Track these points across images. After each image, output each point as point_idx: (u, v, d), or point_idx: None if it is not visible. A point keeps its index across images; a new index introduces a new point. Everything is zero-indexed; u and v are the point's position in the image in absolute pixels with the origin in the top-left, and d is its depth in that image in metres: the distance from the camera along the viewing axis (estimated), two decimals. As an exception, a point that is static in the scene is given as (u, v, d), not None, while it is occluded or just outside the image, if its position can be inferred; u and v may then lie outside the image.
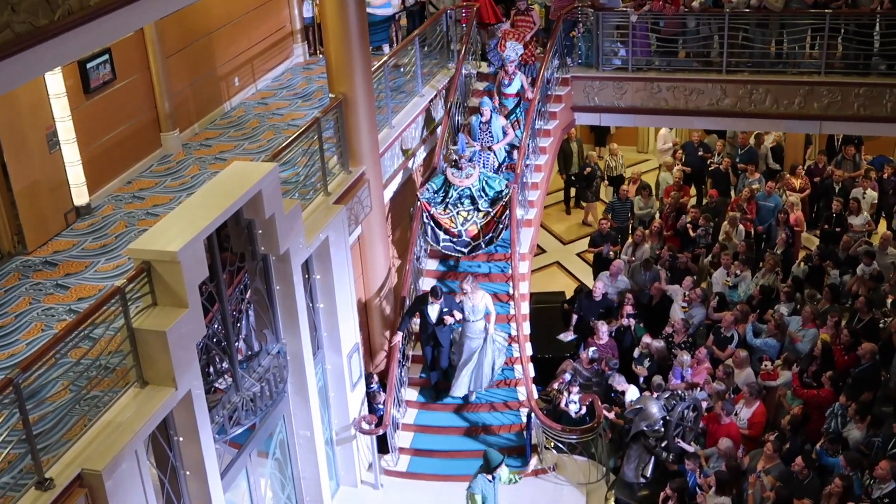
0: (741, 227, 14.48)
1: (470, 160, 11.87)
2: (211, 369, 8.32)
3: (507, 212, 11.86)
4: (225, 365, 8.46)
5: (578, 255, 16.91)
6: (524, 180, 12.84)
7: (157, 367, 7.26)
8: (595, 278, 14.04)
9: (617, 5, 14.26)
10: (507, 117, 12.91)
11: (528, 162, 12.99)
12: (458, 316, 11.25)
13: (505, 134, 12.56)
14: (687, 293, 12.95)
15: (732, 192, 16.16)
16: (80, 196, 10.91)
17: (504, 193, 11.87)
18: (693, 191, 16.37)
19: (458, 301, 11.35)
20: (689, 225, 14.75)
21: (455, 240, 12.01)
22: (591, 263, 15.46)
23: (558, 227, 17.87)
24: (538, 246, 15.94)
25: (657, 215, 15.80)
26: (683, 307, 12.87)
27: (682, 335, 12.29)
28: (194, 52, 12.98)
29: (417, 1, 15.63)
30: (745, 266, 13.56)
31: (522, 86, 12.98)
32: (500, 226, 11.92)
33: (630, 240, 14.76)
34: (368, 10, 14.74)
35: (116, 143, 11.61)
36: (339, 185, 10.57)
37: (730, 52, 13.81)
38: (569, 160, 17.40)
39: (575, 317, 13.06)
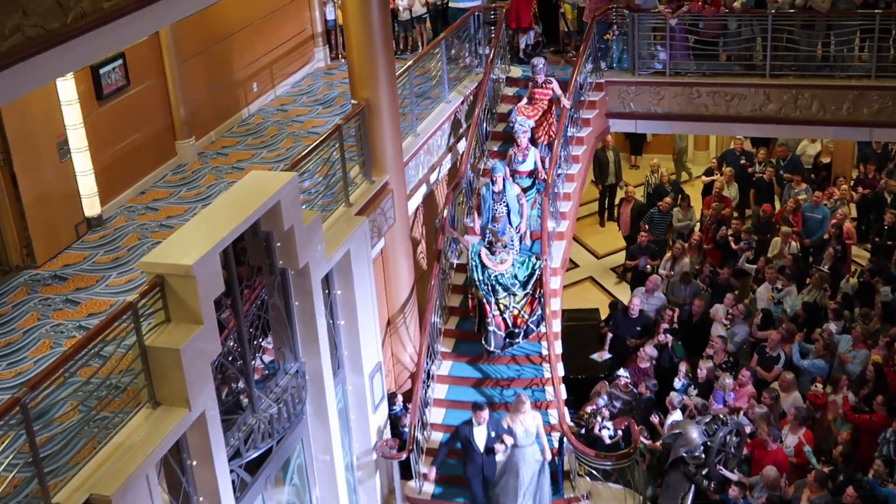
0: (793, 242, 14.06)
1: (505, 246, 11.28)
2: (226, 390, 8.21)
3: (542, 286, 11.33)
4: (241, 385, 8.32)
5: (613, 269, 16.69)
6: (555, 190, 12.46)
7: (170, 386, 7.21)
8: (633, 293, 13.77)
9: (653, 6, 13.89)
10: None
11: (559, 171, 12.63)
12: (510, 441, 10.31)
13: (520, 204, 11.84)
14: (730, 310, 12.61)
15: (777, 203, 15.80)
16: (92, 207, 10.86)
17: (537, 266, 11.31)
18: (736, 201, 16.00)
19: (505, 426, 10.41)
20: (730, 238, 14.37)
21: (500, 332, 11.34)
22: (629, 279, 15.22)
23: (592, 241, 17.58)
24: (570, 260, 15.66)
25: (697, 227, 15.44)
26: (725, 325, 12.52)
27: (723, 355, 11.92)
28: (211, 57, 12.96)
29: (443, 2, 15.38)
30: (789, 281, 13.15)
31: (537, 165, 12.22)
32: (541, 300, 11.37)
33: (668, 253, 14.46)
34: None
35: (130, 152, 11.60)
36: (362, 196, 10.50)
37: (773, 56, 13.39)
38: (605, 170, 17.04)
39: (610, 335, 12.71)
